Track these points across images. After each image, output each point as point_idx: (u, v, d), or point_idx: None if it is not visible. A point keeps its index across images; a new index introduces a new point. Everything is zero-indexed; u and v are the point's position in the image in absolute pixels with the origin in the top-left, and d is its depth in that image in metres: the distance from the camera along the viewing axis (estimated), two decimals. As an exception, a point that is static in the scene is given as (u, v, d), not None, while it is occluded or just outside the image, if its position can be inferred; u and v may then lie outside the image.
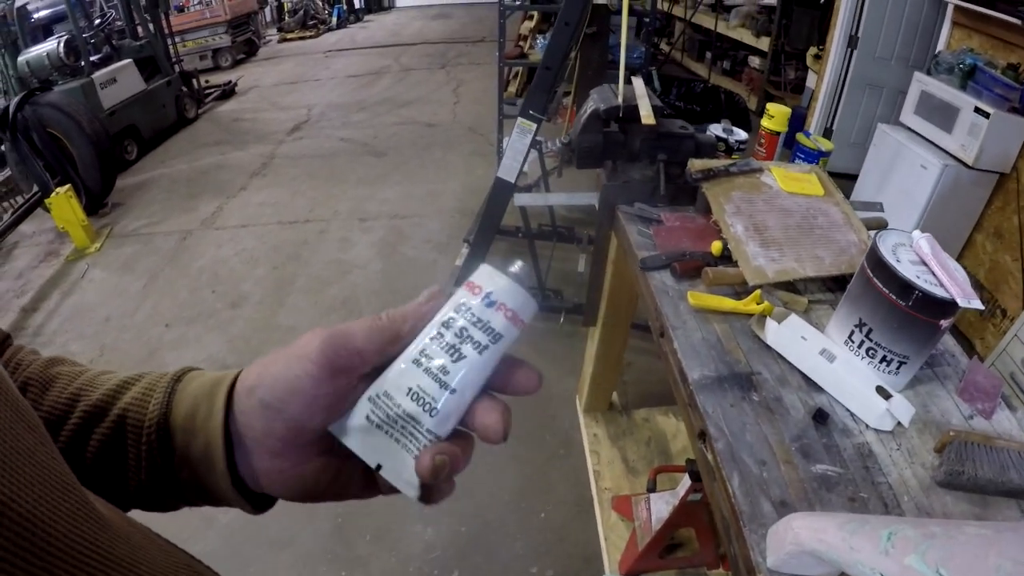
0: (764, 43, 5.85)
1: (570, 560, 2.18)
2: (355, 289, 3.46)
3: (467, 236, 3.65)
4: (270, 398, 0.45)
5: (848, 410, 1.23)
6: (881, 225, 1.86)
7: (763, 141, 1.99)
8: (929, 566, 0.80)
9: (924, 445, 1.20)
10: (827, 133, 4.48)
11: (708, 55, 6.74)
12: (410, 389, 0.45)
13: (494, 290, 0.46)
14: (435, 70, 7.60)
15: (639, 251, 1.51)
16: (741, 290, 1.41)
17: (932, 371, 1.39)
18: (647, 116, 1.66)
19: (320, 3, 10.39)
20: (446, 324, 0.46)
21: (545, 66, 2.45)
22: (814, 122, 4.66)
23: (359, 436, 0.45)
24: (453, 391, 0.45)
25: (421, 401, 0.44)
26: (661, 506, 1.92)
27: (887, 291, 1.17)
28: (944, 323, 1.17)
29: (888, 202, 3.42)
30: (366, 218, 4.26)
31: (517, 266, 0.49)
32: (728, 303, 1.36)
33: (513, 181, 2.59)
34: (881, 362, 1.24)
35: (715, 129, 1.94)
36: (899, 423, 1.21)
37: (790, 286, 1.45)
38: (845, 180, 4.18)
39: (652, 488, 2.04)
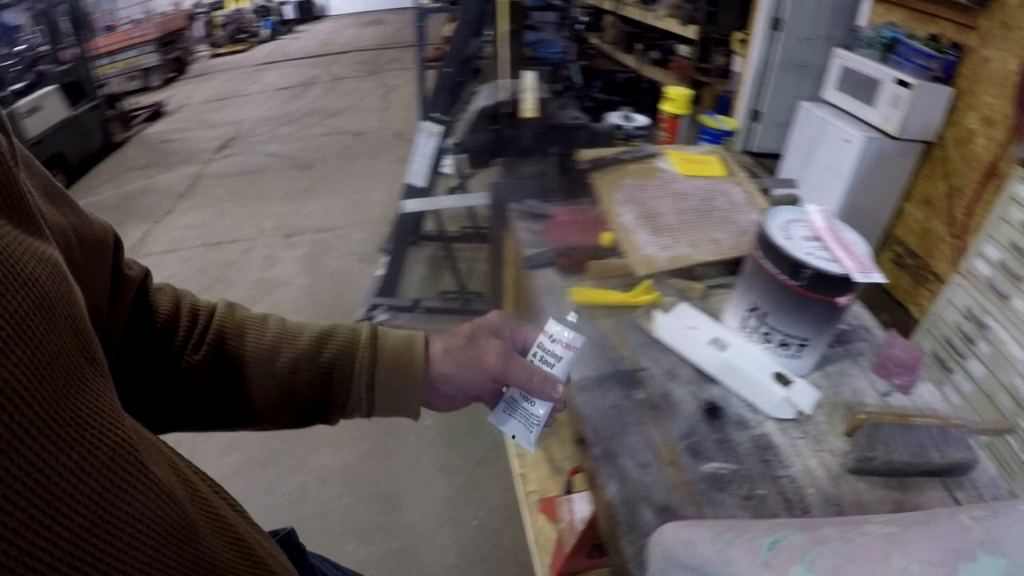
0: (692, 31, 5.83)
1: (505, 567, 2.12)
2: (280, 307, 3.28)
3: (384, 245, 3.56)
4: (453, 376, 0.71)
5: (746, 401, 1.15)
6: (792, 201, 1.80)
7: (664, 125, 1.92)
8: None
9: (833, 430, 1.12)
10: (755, 115, 4.48)
11: (637, 46, 6.67)
12: (523, 395, 0.75)
13: (553, 332, 0.74)
14: (365, 77, 7.48)
15: (526, 249, 1.43)
16: (633, 282, 1.32)
17: (844, 348, 1.31)
18: (529, 110, 1.57)
19: (251, 16, 10.19)
20: (534, 354, 0.75)
21: (447, 67, 2.36)
22: (741, 105, 4.66)
23: (504, 423, 0.76)
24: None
25: (529, 401, 0.75)
26: (583, 506, 1.84)
27: (777, 272, 1.09)
28: (842, 301, 1.09)
29: (814, 178, 3.48)
30: (291, 233, 4.16)
31: (572, 315, 0.74)
32: (614, 296, 1.27)
33: (424, 186, 2.50)
34: (780, 347, 1.17)
35: (613, 117, 1.86)
36: (801, 411, 1.13)
37: (688, 273, 1.37)
38: (774, 160, 4.21)
39: (569, 489, 1.97)
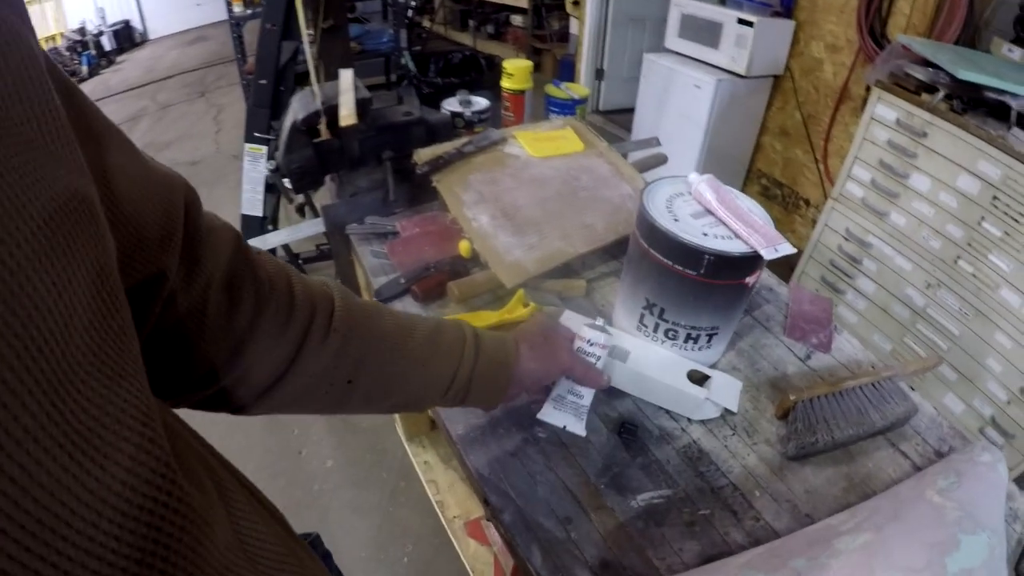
0: (523, 0, 5.73)
1: None
2: None
3: None
4: (535, 371, 0.81)
5: (662, 408, 0.98)
6: (661, 162, 1.65)
7: (508, 104, 1.73)
8: None
9: (763, 414, 1.00)
10: (599, 74, 4.42)
11: (471, 23, 6.50)
12: (571, 389, 0.89)
13: (591, 337, 0.89)
14: (195, 100, 6.99)
15: (375, 278, 1.20)
16: (505, 293, 1.13)
17: (751, 317, 1.19)
18: (346, 116, 1.33)
19: (67, 54, 9.40)
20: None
21: (259, 79, 2.09)
22: (584, 67, 4.57)
23: (554, 417, 0.90)
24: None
25: (577, 395, 0.89)
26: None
27: (670, 262, 0.92)
28: (751, 279, 0.94)
29: (669, 128, 3.40)
30: (140, 288, 3.78)
31: (599, 320, 0.93)
32: (485, 318, 1.07)
33: (261, 215, 2.23)
34: (687, 341, 1.00)
35: (450, 104, 1.65)
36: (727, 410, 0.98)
37: (565, 270, 1.18)
38: (626, 114, 4.13)
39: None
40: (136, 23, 10.18)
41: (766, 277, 1.30)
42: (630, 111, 3.85)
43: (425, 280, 1.13)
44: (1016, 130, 1.92)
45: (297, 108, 1.44)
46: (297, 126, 1.39)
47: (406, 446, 2.23)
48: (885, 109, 2.25)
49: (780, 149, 3.40)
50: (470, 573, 1.86)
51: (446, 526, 1.97)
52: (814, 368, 1.09)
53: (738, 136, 3.44)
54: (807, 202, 3.31)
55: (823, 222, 2.63)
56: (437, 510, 2.01)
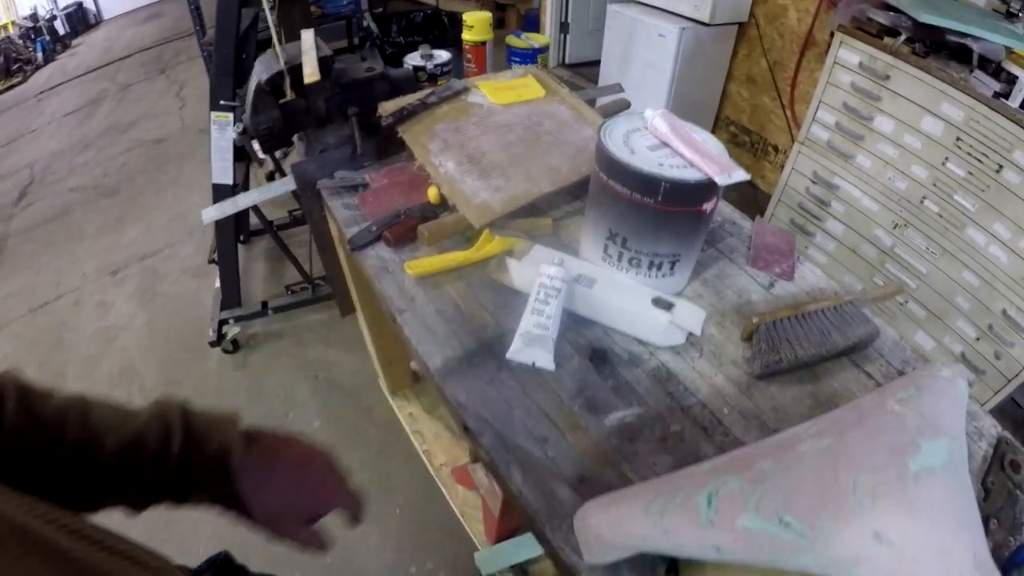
0: (488, -47, 5.66)
1: (443, 546, 2.00)
2: (127, 353, 3.03)
3: (211, 256, 3.29)
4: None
5: (631, 335, 1.01)
6: (624, 107, 1.67)
7: (470, 57, 1.74)
8: (768, 519, 0.60)
9: (729, 339, 1.03)
10: (564, 27, 4.39)
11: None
12: (537, 323, 0.95)
13: (550, 272, 0.97)
14: (155, 78, 6.84)
15: (347, 229, 1.22)
16: (473, 235, 1.15)
17: (715, 249, 1.22)
18: (310, 74, 1.34)
19: (20, 42, 9.16)
20: (538, 292, 0.97)
21: (220, 47, 2.08)
22: (547, 20, 4.51)
23: (522, 353, 0.95)
24: (550, 316, 0.96)
25: (542, 327, 0.95)
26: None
27: (628, 192, 0.95)
28: (708, 206, 0.97)
29: (635, 77, 3.39)
30: (116, 270, 3.76)
31: (557, 258, 1.02)
32: (453, 258, 1.10)
33: (231, 183, 2.24)
34: (650, 268, 1.03)
35: (412, 59, 1.66)
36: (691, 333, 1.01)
37: (532, 210, 1.21)
38: (591, 67, 4.13)
39: (476, 456, 1.83)
40: (89, 4, 9.87)
41: (729, 212, 1.33)
42: (596, 64, 3.84)
43: (396, 226, 1.15)
44: (978, 72, 1.95)
45: (261, 70, 1.45)
46: (262, 87, 1.40)
47: (390, 400, 2.26)
48: (848, 53, 2.27)
49: (747, 96, 3.41)
50: (460, 518, 1.90)
51: (434, 475, 2.01)
52: (778, 295, 1.12)
53: (704, 84, 3.44)
54: (775, 148, 3.34)
55: (790, 166, 2.66)
56: (424, 460, 2.04)
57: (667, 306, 1.01)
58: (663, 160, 0.95)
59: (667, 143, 0.99)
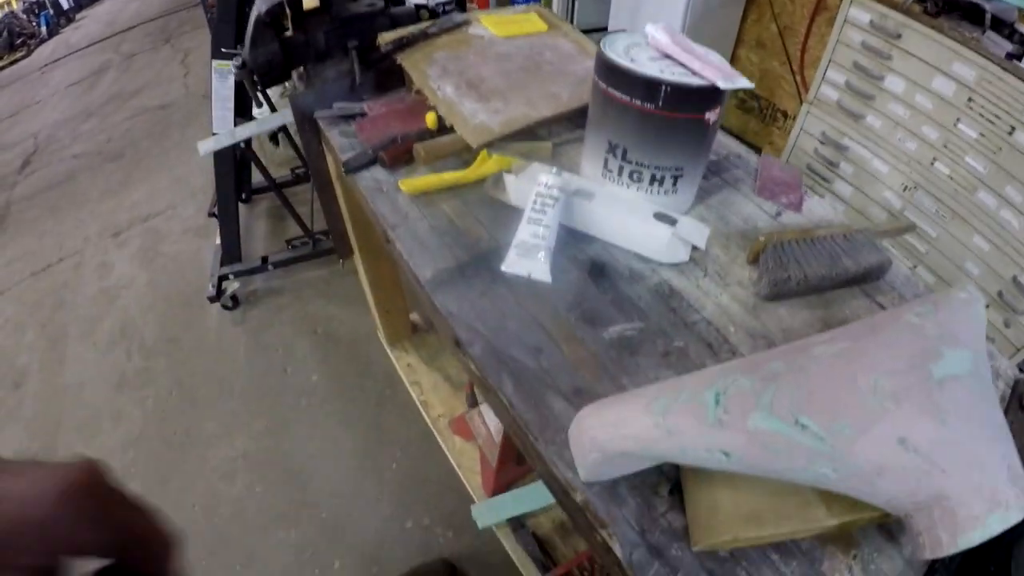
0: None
1: (441, 499, 1.99)
2: (127, 312, 3.06)
3: (211, 209, 3.29)
4: None
5: (632, 251, 0.99)
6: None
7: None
8: (783, 419, 0.56)
9: (735, 261, 0.99)
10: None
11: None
12: (533, 233, 0.94)
13: (548, 181, 0.96)
14: (160, 47, 6.83)
15: (343, 154, 1.20)
16: (470, 158, 1.12)
17: (720, 178, 1.18)
18: (310, 2, 1.32)
19: (24, 17, 9.17)
20: (535, 201, 0.95)
21: (221, -6, 2.06)
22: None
23: (517, 264, 0.93)
24: (547, 226, 0.94)
25: (539, 236, 0.93)
26: (494, 415, 1.68)
27: (628, 98, 0.92)
28: (710, 115, 0.94)
29: (640, 39, 3.35)
30: (119, 231, 3.79)
31: (554, 170, 0.99)
32: (449, 176, 1.07)
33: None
34: (652, 183, 1.00)
35: (414, -2, 1.63)
36: (695, 247, 0.98)
37: (532, 135, 1.18)
38: (600, 34, 4.04)
39: (473, 402, 1.82)
40: (94, -23, 9.88)
41: (735, 145, 1.30)
42: (603, 31, 3.76)
43: (393, 148, 1.13)
44: (991, 32, 1.91)
45: (260, 3, 1.42)
46: (262, 19, 1.37)
47: (388, 351, 2.24)
48: (858, 11, 2.22)
49: (756, 61, 3.36)
50: (457, 469, 1.89)
51: (431, 425, 2.00)
52: (785, 224, 1.08)
53: (713, 48, 3.32)
54: (784, 114, 3.29)
55: (799, 126, 2.62)
56: (421, 410, 2.03)
57: (670, 221, 0.98)
58: (664, 68, 0.92)
59: (668, 54, 0.97)
